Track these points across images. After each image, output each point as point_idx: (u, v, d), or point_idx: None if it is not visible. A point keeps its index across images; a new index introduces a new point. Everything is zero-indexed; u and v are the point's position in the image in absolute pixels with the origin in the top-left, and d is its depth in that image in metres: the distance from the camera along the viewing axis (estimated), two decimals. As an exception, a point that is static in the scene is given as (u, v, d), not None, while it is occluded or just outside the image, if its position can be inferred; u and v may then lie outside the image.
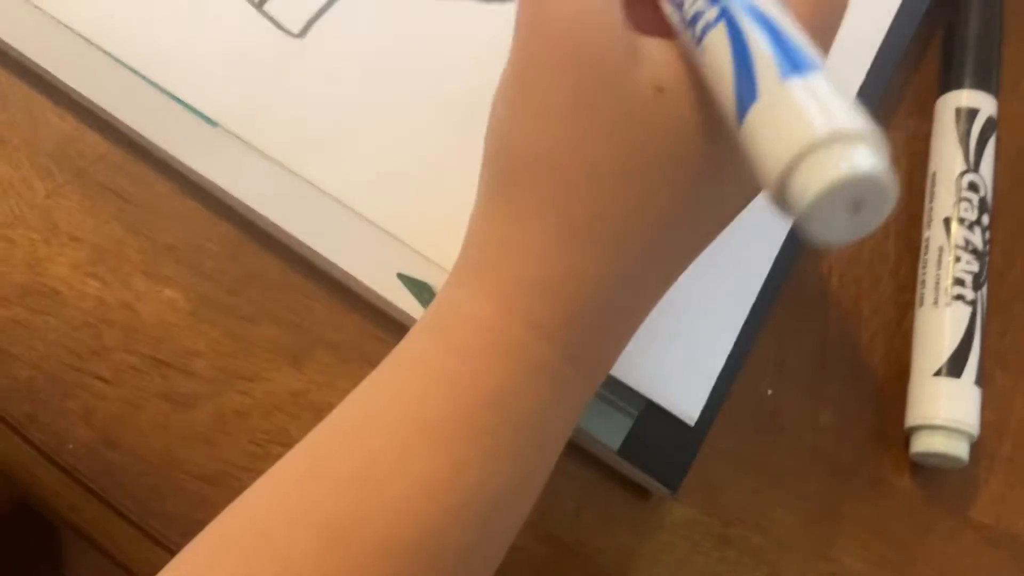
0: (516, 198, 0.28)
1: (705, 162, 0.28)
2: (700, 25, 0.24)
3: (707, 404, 0.37)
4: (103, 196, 0.37)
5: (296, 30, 0.39)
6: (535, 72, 0.27)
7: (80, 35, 0.38)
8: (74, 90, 0.37)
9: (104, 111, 0.37)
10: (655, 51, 0.27)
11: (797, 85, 0.22)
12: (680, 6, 0.26)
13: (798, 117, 0.21)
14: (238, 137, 0.37)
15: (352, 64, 0.39)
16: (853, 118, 0.21)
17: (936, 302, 0.41)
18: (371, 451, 0.27)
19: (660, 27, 0.28)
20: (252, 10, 0.39)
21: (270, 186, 0.37)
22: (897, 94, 0.46)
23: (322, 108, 0.38)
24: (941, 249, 0.41)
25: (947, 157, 0.43)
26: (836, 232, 0.21)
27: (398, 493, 0.26)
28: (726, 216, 0.30)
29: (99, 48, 0.38)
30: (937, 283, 0.41)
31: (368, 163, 0.38)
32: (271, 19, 0.39)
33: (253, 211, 0.37)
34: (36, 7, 0.38)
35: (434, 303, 0.30)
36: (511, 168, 0.28)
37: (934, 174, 0.43)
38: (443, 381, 0.28)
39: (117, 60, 0.38)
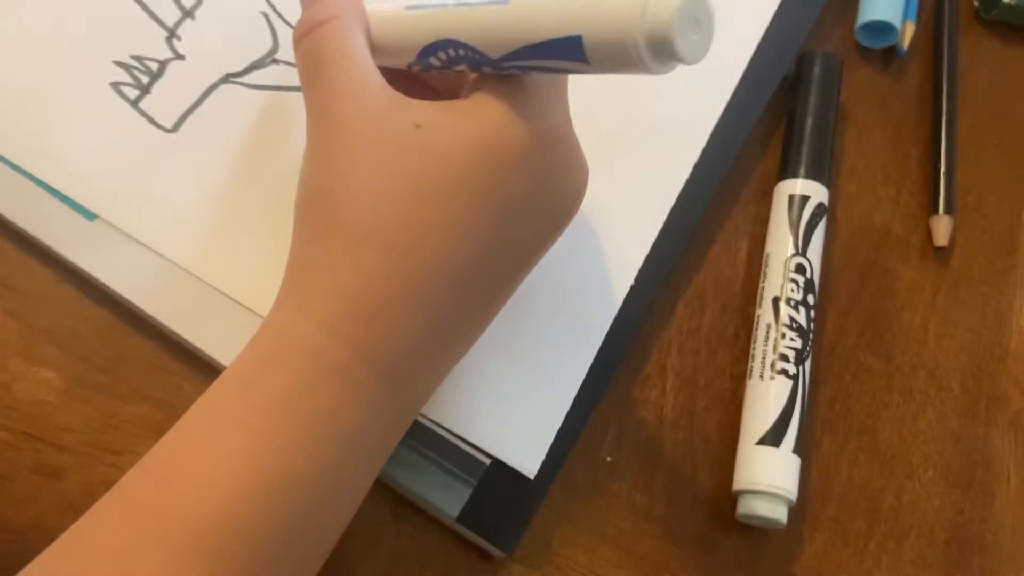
0: (311, 224, 0.33)
1: (471, 183, 0.32)
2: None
3: (546, 460, 0.40)
4: (-16, 285, 0.41)
5: (169, 125, 0.43)
6: (329, 136, 0.33)
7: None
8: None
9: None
10: (416, 103, 0.33)
11: None
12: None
13: None
14: (115, 227, 0.40)
15: (221, 155, 0.42)
16: None
17: (763, 375, 0.44)
18: (172, 443, 0.32)
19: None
20: (128, 107, 0.43)
21: (142, 274, 0.40)
22: (744, 178, 0.50)
23: (186, 198, 0.41)
24: (769, 326, 0.45)
25: (779, 241, 0.47)
26: (691, 53, 0.27)
27: (197, 473, 0.30)
28: (505, 235, 0.34)
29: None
30: (764, 358, 0.44)
31: (236, 245, 0.41)
32: (146, 115, 0.43)
33: (125, 298, 0.40)
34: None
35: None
36: (319, 206, 0.33)
37: (768, 256, 0.47)
38: (242, 385, 0.32)
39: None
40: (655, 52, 0.27)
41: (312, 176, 0.33)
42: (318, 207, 0.33)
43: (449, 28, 0.32)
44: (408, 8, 0.34)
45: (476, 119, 0.33)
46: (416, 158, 0.32)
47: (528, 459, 0.40)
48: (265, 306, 0.38)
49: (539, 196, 0.34)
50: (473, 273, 0.33)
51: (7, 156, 0.41)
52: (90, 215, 0.41)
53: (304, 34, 0.34)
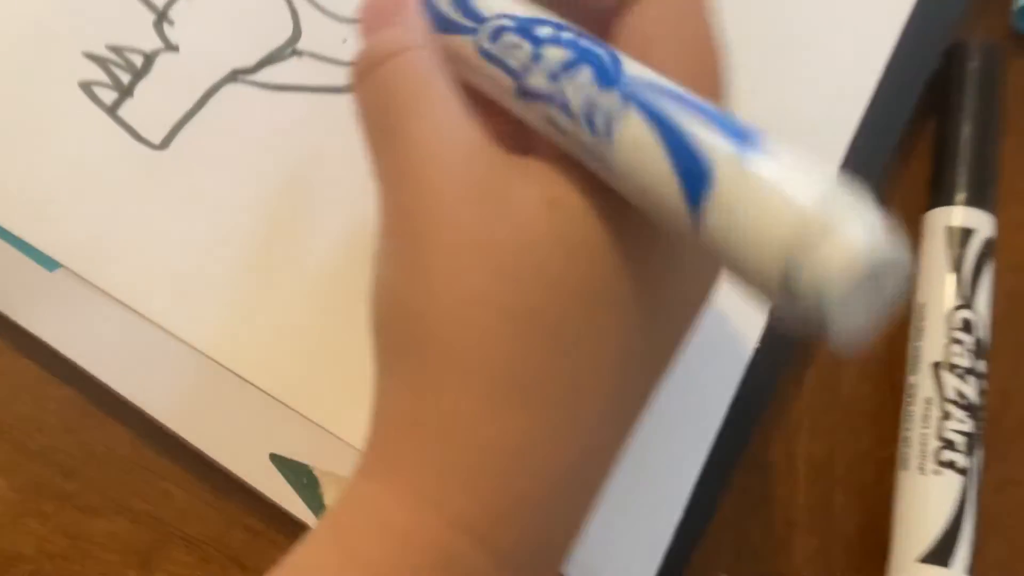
0: (417, 367, 0.24)
1: (626, 280, 0.24)
2: (600, 118, 0.22)
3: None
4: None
5: (157, 140, 0.34)
6: (414, 224, 0.24)
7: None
8: None
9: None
10: (537, 166, 0.24)
11: (759, 160, 0.19)
12: (564, 106, 0.23)
13: (780, 196, 0.18)
14: (84, 280, 0.32)
15: (226, 180, 0.34)
16: (837, 184, 0.18)
17: (922, 468, 0.35)
18: None
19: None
20: (103, 116, 0.34)
21: (116, 341, 0.32)
22: (884, 205, 0.40)
23: (179, 242, 0.33)
24: (928, 402, 0.36)
25: (937, 287, 0.38)
26: (855, 319, 0.19)
27: None
28: (673, 335, 0.27)
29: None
30: (923, 444, 0.35)
31: (233, 311, 0.33)
32: (126, 126, 0.34)
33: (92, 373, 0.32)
34: None
35: (340, 498, 0.25)
36: (406, 333, 0.24)
37: (922, 307, 0.37)
38: None
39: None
40: (791, 296, 0.19)
41: (395, 284, 0.25)
42: (409, 333, 0.24)
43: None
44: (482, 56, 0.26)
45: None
46: (559, 255, 0.23)
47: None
48: (290, 395, 0.32)
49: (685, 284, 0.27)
50: (632, 401, 0.26)
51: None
52: (52, 264, 0.32)
53: (370, 69, 0.26)
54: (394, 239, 0.25)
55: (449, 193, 0.24)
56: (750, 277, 0.19)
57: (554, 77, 0.23)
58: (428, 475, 0.23)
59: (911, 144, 0.42)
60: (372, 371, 0.26)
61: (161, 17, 0.36)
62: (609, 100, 0.21)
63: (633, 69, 0.22)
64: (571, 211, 0.23)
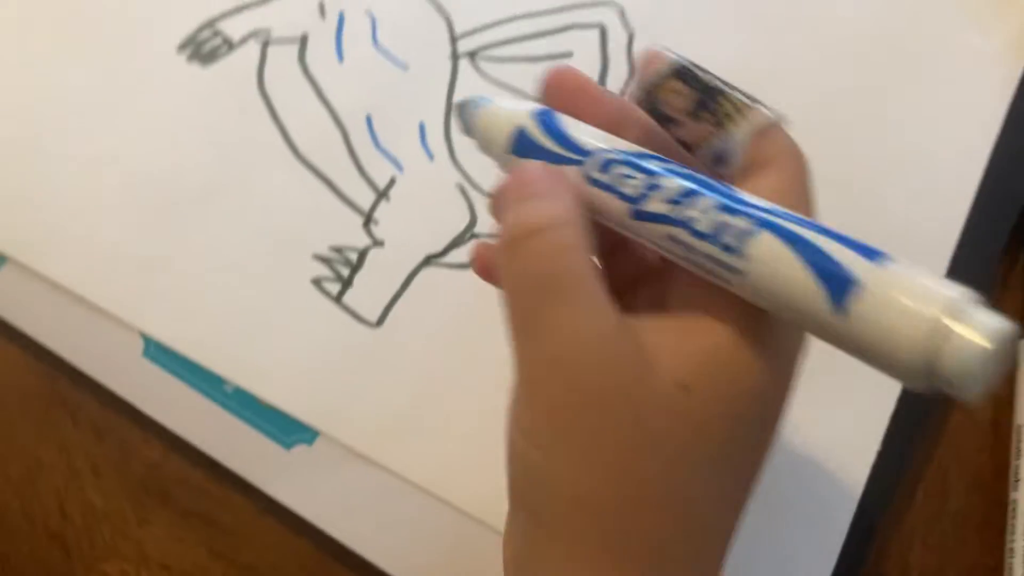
0: (566, 541, 0.23)
1: (740, 450, 0.24)
2: (731, 237, 0.22)
3: None
4: (188, 521, 0.35)
5: (374, 319, 0.37)
6: (552, 409, 0.23)
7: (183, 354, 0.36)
8: (158, 421, 0.36)
9: (185, 440, 0.35)
10: (663, 348, 0.23)
11: (894, 267, 0.21)
12: (687, 225, 0.23)
13: (920, 295, 0.21)
14: (308, 453, 0.35)
15: (429, 347, 0.36)
16: (954, 285, 0.21)
17: None
18: None
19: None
20: (331, 305, 0.37)
21: (347, 501, 0.34)
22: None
23: (405, 397, 0.35)
24: None
25: None
26: (979, 384, 0.21)
27: None
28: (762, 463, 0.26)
29: (197, 363, 0.36)
30: None
31: (452, 446, 0.35)
32: (350, 311, 0.37)
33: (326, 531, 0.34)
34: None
35: None
36: (554, 512, 0.24)
37: (1020, 427, 0.38)
38: None
39: (207, 375, 0.36)
40: (924, 380, 0.21)
41: (550, 475, 0.23)
42: (575, 521, 0.23)
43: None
44: (591, 211, 0.25)
45: (749, 375, 0.23)
46: (694, 440, 0.23)
47: None
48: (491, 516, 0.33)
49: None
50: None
51: (217, 369, 0.36)
52: (287, 443, 0.35)
53: (519, 241, 0.24)
54: (533, 424, 0.24)
55: (601, 380, 0.23)
56: (893, 364, 0.21)
57: (675, 203, 0.23)
58: None
59: (1004, 276, 0.41)
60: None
61: (368, 219, 0.38)
62: (739, 222, 0.22)
63: (753, 199, 0.23)
64: (704, 396, 0.23)
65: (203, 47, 0.41)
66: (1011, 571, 0.36)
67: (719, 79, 0.26)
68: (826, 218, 0.40)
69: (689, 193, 0.23)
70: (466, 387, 0.36)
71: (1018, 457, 0.38)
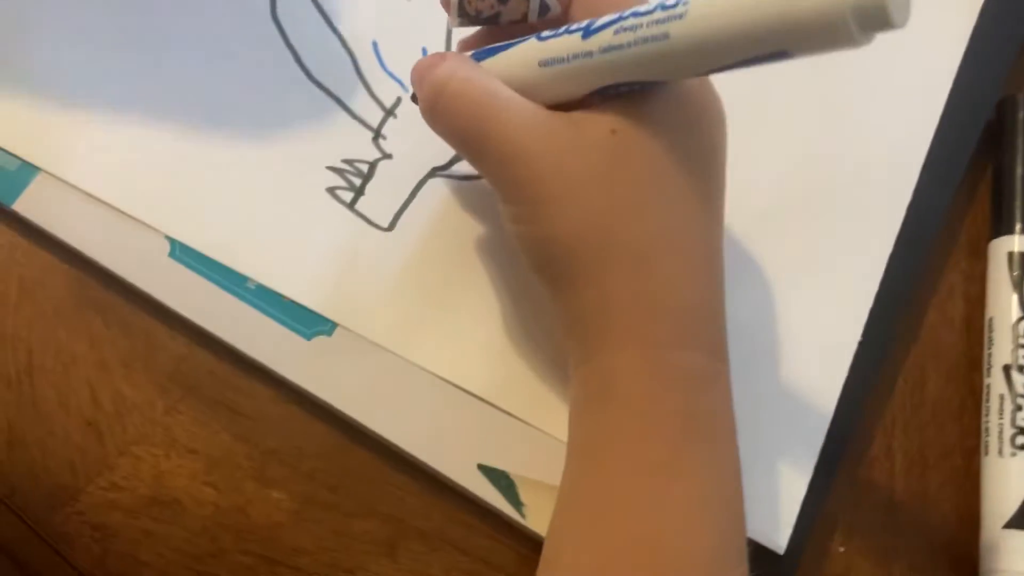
0: (579, 273, 0.30)
1: (671, 160, 0.30)
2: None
3: (793, 534, 0.35)
4: (213, 409, 0.37)
5: (386, 224, 0.39)
6: (527, 191, 0.29)
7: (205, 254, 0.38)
8: (185, 317, 0.37)
9: (211, 333, 0.37)
10: (588, 115, 0.30)
11: None
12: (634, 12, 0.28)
13: None
14: (345, 329, 0.37)
15: (439, 249, 0.38)
16: None
17: (1000, 452, 0.38)
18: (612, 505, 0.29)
19: None
20: (345, 210, 0.39)
21: (364, 387, 0.36)
22: (953, 236, 0.43)
23: (418, 295, 0.38)
24: (1002, 397, 0.38)
25: (1003, 304, 0.40)
26: (900, 17, 0.23)
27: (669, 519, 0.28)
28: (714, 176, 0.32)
29: (215, 260, 0.38)
30: (1000, 432, 0.38)
31: (463, 342, 0.37)
32: (364, 217, 0.39)
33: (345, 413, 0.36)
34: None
35: (578, 382, 0.31)
36: (557, 256, 0.30)
37: (991, 320, 0.40)
38: (637, 438, 0.29)
39: (230, 273, 0.38)
40: (864, 25, 0.23)
41: (546, 227, 0.30)
42: (577, 252, 0.29)
43: (614, 75, 0.29)
44: (545, 64, 0.30)
45: (665, 108, 0.30)
46: (632, 157, 0.29)
47: (776, 532, 0.35)
48: (504, 398, 0.36)
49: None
50: (718, 223, 0.31)
51: (240, 269, 0.38)
52: (307, 334, 0.37)
53: (432, 103, 0.31)
54: (516, 207, 0.30)
55: (551, 150, 0.29)
56: (819, 19, 0.23)
57: (619, 16, 0.28)
58: (645, 326, 0.29)
59: (973, 185, 0.44)
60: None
61: (377, 135, 0.40)
62: None
63: None
64: (629, 133, 0.29)
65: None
66: (987, 448, 0.38)
67: None
68: (806, 137, 0.43)
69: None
70: (470, 284, 0.38)
71: (990, 347, 0.40)
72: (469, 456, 0.36)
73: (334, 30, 0.42)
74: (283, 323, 0.37)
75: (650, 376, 0.29)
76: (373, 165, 0.40)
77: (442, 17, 0.35)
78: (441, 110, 0.31)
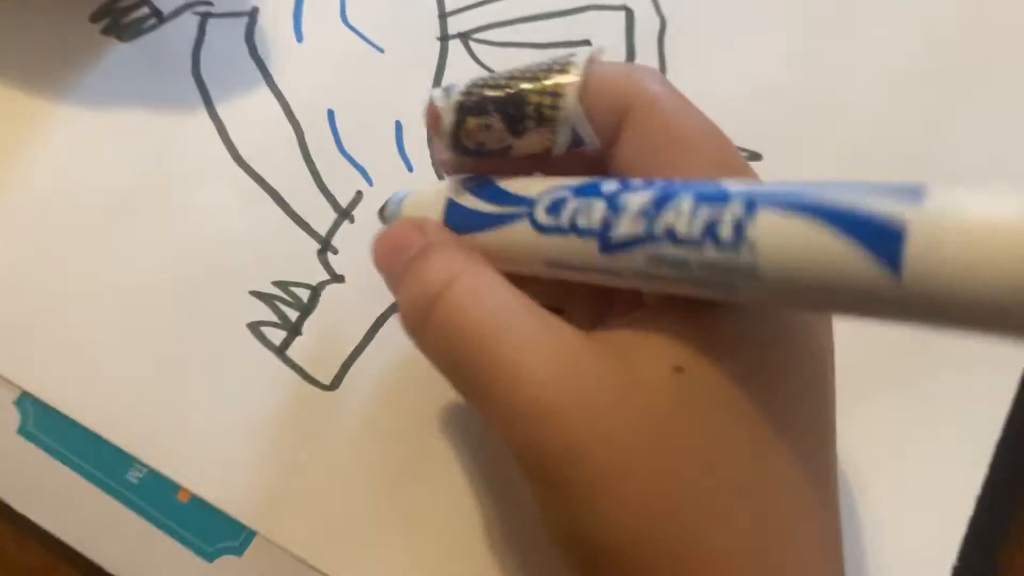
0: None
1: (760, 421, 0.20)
2: (725, 229, 0.18)
3: None
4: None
5: (327, 379, 0.28)
6: (550, 462, 0.20)
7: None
8: (39, 523, 0.26)
9: (74, 547, 0.26)
10: (635, 338, 0.20)
11: (938, 195, 0.15)
12: (670, 234, 0.19)
13: (991, 221, 0.15)
14: (265, 541, 0.26)
15: (402, 421, 0.27)
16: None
17: None
18: None
19: None
20: (272, 358, 0.28)
21: None
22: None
23: (365, 488, 0.27)
24: None
25: None
26: None
27: None
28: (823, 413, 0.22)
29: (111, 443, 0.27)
30: None
31: (429, 557, 0.26)
32: (296, 367, 0.27)
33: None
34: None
35: None
36: (629, 563, 0.20)
37: None
38: None
39: (106, 457, 0.26)
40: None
41: (587, 522, 0.19)
42: (636, 561, 0.19)
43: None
44: (554, 266, 0.21)
45: (756, 326, 0.20)
46: (712, 413, 0.20)
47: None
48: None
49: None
50: (834, 497, 0.21)
51: (120, 443, 0.27)
52: (210, 553, 0.26)
53: (424, 316, 0.21)
54: (542, 485, 0.20)
55: (578, 414, 0.19)
56: (978, 311, 0.15)
57: (647, 215, 0.19)
58: None
59: None
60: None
61: (325, 247, 0.29)
62: (730, 209, 0.18)
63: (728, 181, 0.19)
64: (696, 374, 0.20)
65: (123, 18, 0.32)
66: None
67: (504, 77, 0.22)
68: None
69: (660, 202, 0.19)
70: (441, 475, 0.27)
71: None
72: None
73: (276, 93, 0.30)
74: (176, 536, 0.26)
75: None
76: (316, 291, 0.29)
77: (426, 79, 0.26)
78: (435, 330, 0.21)
